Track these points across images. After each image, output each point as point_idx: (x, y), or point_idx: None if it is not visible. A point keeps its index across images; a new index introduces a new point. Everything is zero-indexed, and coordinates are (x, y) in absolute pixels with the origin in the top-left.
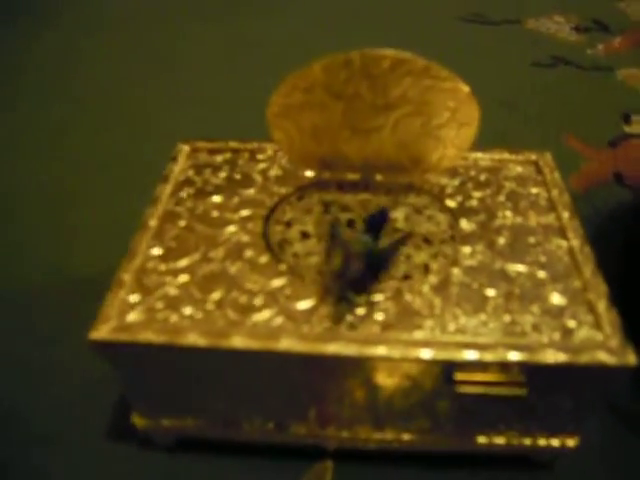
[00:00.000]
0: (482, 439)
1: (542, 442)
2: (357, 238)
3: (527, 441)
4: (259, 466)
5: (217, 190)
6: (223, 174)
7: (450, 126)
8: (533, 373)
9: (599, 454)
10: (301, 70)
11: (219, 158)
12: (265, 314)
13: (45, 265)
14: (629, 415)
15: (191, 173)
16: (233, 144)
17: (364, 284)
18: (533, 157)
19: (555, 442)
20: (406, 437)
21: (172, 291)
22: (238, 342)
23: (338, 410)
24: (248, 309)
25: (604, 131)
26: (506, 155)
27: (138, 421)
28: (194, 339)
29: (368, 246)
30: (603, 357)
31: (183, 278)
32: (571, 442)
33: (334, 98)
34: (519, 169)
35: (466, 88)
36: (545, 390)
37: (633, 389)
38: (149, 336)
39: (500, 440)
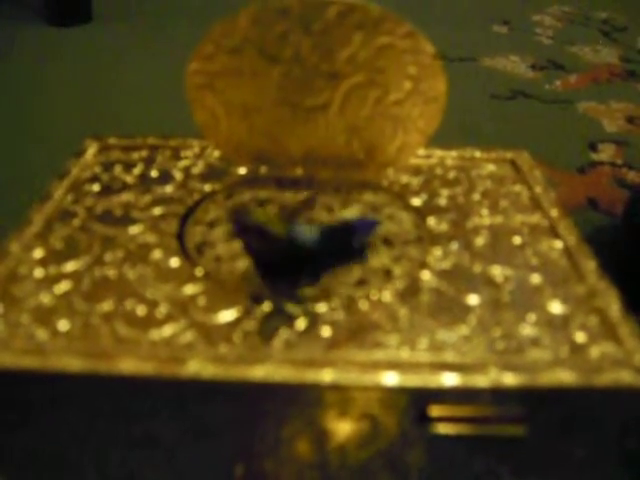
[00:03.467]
0: None
1: None
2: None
3: None
4: None
5: (126, 188)
6: (136, 171)
7: (412, 102)
8: (535, 403)
9: None
10: (225, 23)
11: (135, 155)
12: (168, 329)
13: None
14: None
15: (98, 170)
16: (153, 140)
17: (303, 290)
18: (509, 155)
19: None
20: None
21: (46, 301)
22: (127, 365)
23: (274, 467)
24: (146, 323)
25: (571, 158)
26: (477, 153)
27: None
28: (65, 361)
29: (305, 235)
30: (629, 377)
31: (65, 286)
32: None
33: (268, 62)
34: (492, 167)
35: (430, 48)
36: (550, 428)
37: None
38: (3, 357)
39: None
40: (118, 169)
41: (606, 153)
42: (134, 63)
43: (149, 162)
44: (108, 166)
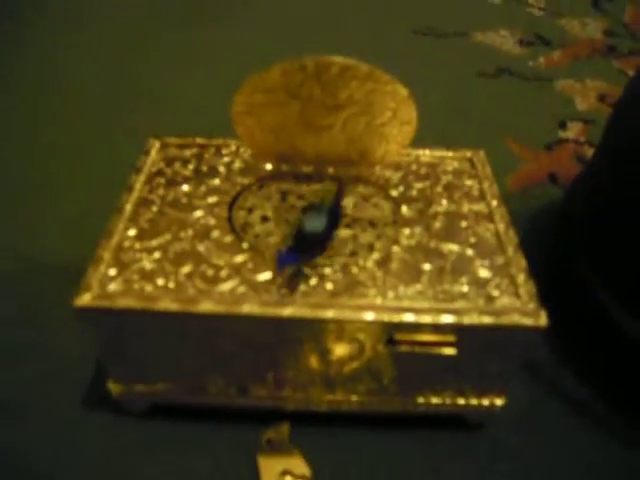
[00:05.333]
0: (421, 399)
1: (474, 402)
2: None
3: (461, 401)
4: (224, 428)
5: (186, 180)
6: (191, 166)
7: (392, 124)
8: (462, 334)
9: (525, 415)
10: (261, 73)
11: (187, 152)
12: (230, 284)
13: (9, 252)
14: (547, 380)
15: (162, 165)
16: (200, 140)
17: (315, 259)
18: (468, 154)
19: (485, 401)
20: (354, 398)
21: (147, 265)
22: (206, 307)
23: (294, 373)
24: (215, 280)
25: (541, 136)
26: (445, 152)
27: (113, 387)
28: (167, 305)
29: (318, 229)
30: (520, 319)
31: (156, 255)
32: (499, 401)
33: (291, 98)
34: (456, 164)
35: (404, 91)
36: (473, 350)
37: (554, 362)
38: (127, 302)
39: (437, 400)
40: (177, 165)
41: (573, 131)
42: None
43: (199, 158)
44: (169, 162)
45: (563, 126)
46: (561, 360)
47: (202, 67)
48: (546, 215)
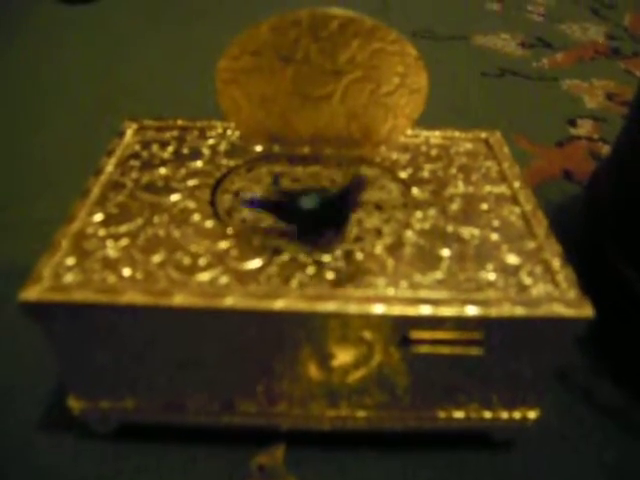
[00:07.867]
0: (441, 414)
1: (503, 415)
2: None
3: (488, 414)
4: (206, 452)
5: (164, 163)
6: (171, 148)
7: (400, 93)
8: (490, 329)
9: (558, 434)
10: (249, 30)
11: (167, 135)
12: (210, 274)
13: None
14: (581, 389)
15: (138, 148)
16: (182, 122)
17: (315, 244)
18: (483, 135)
19: (516, 414)
20: (361, 414)
21: (111, 254)
22: (180, 300)
23: (289, 384)
24: (192, 269)
25: (551, 133)
26: (456, 133)
27: (74, 404)
28: (132, 297)
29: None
30: (560, 309)
31: (124, 242)
32: (532, 414)
33: (283, 62)
34: (469, 146)
35: (414, 51)
36: (503, 350)
37: (586, 366)
38: (84, 295)
39: (460, 414)
40: (155, 147)
41: (584, 128)
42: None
43: (180, 141)
44: (146, 144)
45: (573, 124)
46: (596, 365)
47: (187, 67)
48: (563, 211)
